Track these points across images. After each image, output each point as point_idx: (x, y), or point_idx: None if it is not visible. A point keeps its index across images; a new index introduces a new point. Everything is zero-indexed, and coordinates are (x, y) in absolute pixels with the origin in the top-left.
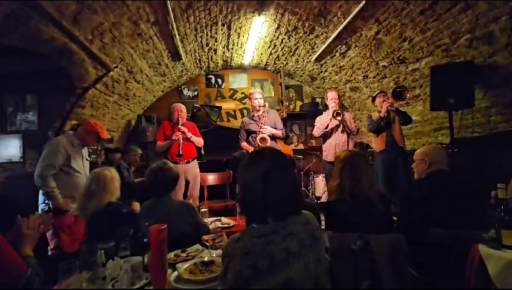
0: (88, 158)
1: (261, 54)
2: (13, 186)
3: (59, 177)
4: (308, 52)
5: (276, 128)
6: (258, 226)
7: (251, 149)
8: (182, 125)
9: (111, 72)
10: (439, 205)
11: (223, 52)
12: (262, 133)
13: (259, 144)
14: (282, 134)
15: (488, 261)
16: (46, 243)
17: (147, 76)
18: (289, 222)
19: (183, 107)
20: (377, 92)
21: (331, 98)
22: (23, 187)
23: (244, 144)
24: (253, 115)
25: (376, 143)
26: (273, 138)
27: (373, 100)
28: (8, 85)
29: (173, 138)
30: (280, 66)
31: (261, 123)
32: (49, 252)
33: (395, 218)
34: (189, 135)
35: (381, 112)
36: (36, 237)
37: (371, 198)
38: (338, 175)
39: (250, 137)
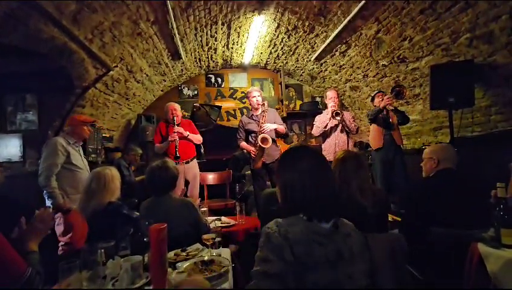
0: (85, 156)
1: (261, 53)
2: (13, 186)
3: (63, 176)
4: (308, 52)
5: None
6: (308, 221)
7: (252, 149)
8: (177, 124)
9: (111, 72)
10: (447, 204)
11: (223, 52)
12: (262, 132)
13: (261, 144)
14: (285, 128)
15: (487, 260)
16: (56, 240)
17: (147, 75)
18: (334, 230)
19: (176, 105)
20: (375, 91)
21: (330, 97)
22: (23, 187)
23: (243, 144)
24: (252, 115)
25: (374, 140)
26: (273, 141)
27: (372, 100)
28: (7, 84)
29: (169, 139)
30: (280, 65)
31: (261, 122)
32: (60, 248)
33: (394, 217)
34: (185, 133)
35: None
36: (46, 231)
37: (361, 202)
38: None
39: (249, 137)
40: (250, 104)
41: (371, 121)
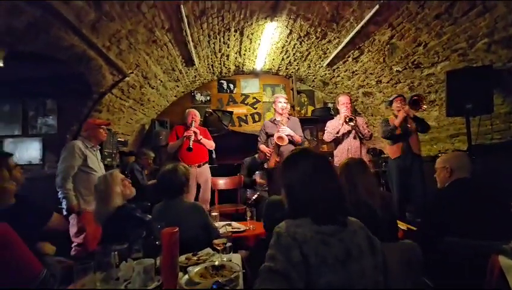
0: (102, 160)
1: (273, 59)
2: (33, 188)
3: (79, 178)
4: (320, 58)
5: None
6: (316, 222)
7: (268, 151)
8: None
9: (127, 78)
10: (462, 214)
11: (235, 58)
12: (279, 132)
13: (276, 141)
14: (301, 140)
15: (508, 273)
16: (69, 241)
17: (161, 81)
18: (341, 229)
19: (197, 112)
20: (394, 96)
21: (343, 103)
22: (42, 188)
23: (261, 146)
24: (275, 119)
25: (391, 149)
26: (290, 143)
27: (390, 104)
28: (29, 90)
29: (185, 134)
30: (292, 71)
31: (281, 123)
32: (73, 249)
33: (409, 227)
34: (199, 136)
35: (397, 116)
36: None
37: (370, 205)
38: None
39: (269, 140)
40: (275, 109)
41: (387, 138)
